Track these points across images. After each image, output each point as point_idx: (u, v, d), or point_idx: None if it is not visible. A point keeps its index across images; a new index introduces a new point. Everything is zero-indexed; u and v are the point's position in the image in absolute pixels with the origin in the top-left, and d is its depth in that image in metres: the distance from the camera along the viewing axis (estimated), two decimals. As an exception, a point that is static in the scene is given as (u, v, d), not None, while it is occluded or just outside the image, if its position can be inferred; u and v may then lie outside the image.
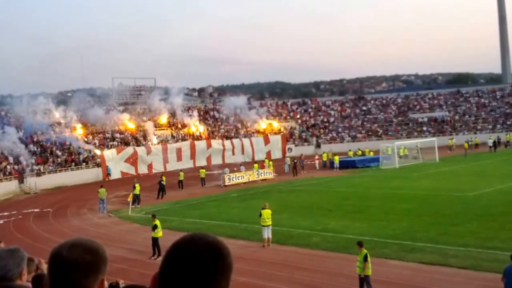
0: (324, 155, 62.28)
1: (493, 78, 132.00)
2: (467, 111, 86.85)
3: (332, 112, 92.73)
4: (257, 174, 51.69)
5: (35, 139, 63.88)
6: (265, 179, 51.10)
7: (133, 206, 37.95)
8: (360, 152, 63.49)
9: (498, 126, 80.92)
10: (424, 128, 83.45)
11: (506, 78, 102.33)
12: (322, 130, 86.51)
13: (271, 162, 58.36)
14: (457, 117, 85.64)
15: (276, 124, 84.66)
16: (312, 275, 19.22)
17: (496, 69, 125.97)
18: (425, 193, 35.58)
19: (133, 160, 64.35)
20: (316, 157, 61.36)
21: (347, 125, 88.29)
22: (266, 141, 77.59)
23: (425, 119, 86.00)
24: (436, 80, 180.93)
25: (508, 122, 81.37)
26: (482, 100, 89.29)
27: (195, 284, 1.85)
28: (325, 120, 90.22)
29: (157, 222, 23.56)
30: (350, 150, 65.47)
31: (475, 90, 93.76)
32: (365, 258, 16.32)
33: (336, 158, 58.39)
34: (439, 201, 32.13)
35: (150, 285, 3.05)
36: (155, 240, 23.03)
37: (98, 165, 61.93)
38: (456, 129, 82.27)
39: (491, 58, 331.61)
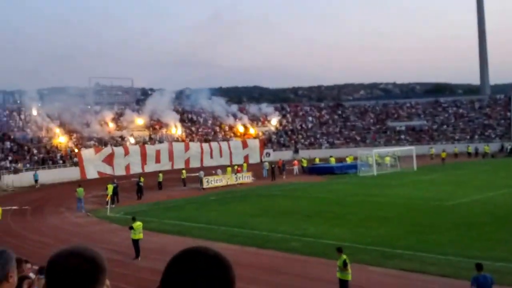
0: (304, 161, 62.31)
1: (471, 89, 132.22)
2: (445, 121, 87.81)
3: (310, 118, 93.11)
4: (235, 178, 51.44)
5: (11, 137, 63.21)
6: (242, 183, 50.84)
7: (112, 206, 37.71)
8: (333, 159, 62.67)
9: (476, 136, 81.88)
10: (402, 137, 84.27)
11: (484, 90, 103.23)
12: (300, 136, 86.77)
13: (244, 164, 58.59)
14: (435, 126, 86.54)
15: (252, 130, 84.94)
16: (292, 279, 19.17)
17: (475, 80, 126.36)
18: (403, 201, 35.52)
19: (110, 160, 63.73)
20: (295, 162, 61.47)
21: (325, 131, 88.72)
22: (244, 145, 77.27)
23: (403, 128, 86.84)
24: (414, 90, 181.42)
25: (486, 133, 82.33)
26: (460, 110, 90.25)
27: None
28: (303, 126, 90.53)
29: (137, 223, 23.22)
30: (331, 156, 64.23)
31: (453, 100, 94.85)
32: (344, 264, 16.30)
33: (304, 162, 60.66)
34: (417, 210, 32.19)
35: None
36: (135, 242, 22.81)
37: (75, 164, 61.33)
38: (433, 138, 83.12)
39: (469, 70, 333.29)
